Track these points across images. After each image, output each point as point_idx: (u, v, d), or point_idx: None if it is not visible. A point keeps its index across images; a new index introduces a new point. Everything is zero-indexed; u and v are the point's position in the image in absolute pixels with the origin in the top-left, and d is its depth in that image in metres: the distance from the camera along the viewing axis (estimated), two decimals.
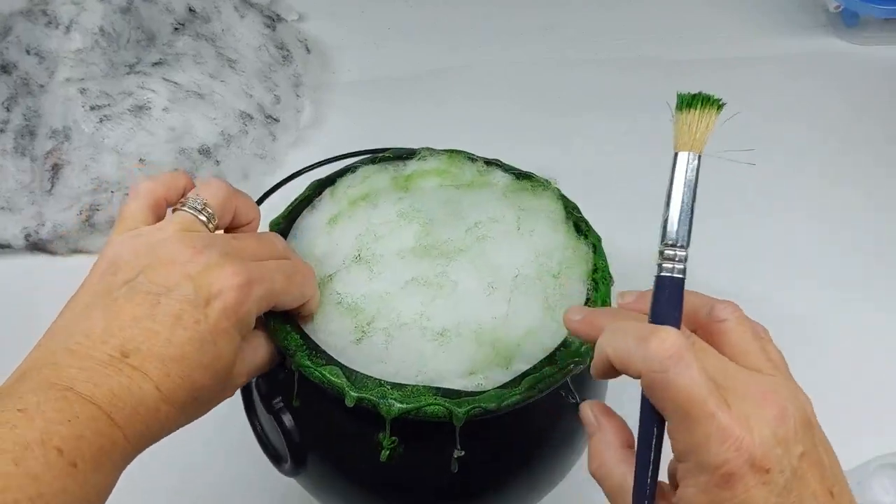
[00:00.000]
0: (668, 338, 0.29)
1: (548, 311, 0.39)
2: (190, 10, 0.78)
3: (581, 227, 0.44)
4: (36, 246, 0.69)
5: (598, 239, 0.44)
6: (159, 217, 0.38)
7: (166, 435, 0.34)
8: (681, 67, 0.79)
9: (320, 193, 0.45)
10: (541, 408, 0.38)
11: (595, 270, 0.42)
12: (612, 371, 0.31)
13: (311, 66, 0.82)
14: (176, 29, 0.78)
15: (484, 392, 0.36)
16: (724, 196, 0.68)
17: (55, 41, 0.73)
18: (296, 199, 0.45)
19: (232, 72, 0.75)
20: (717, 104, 0.31)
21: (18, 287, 0.68)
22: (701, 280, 0.62)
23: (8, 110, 0.74)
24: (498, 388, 0.37)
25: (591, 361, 0.33)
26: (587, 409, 0.34)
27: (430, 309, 0.38)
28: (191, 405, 0.34)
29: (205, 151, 0.70)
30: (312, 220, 0.44)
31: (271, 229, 0.43)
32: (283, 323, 0.39)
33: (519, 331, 0.38)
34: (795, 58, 0.78)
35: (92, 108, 0.69)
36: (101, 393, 0.31)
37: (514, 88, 0.80)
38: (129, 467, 0.33)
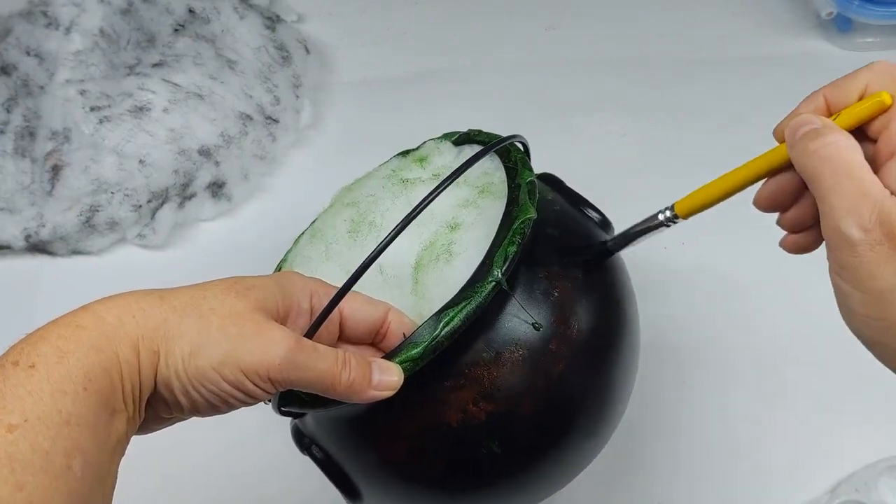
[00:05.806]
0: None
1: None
2: (190, 11, 0.78)
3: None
4: (36, 247, 0.69)
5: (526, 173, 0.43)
6: None
7: None
8: (679, 68, 0.79)
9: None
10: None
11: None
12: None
13: (311, 66, 0.82)
14: (176, 30, 0.78)
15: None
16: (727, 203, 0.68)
17: (55, 42, 0.73)
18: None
19: (231, 73, 0.75)
20: None
21: (18, 287, 0.68)
22: (721, 275, 0.62)
23: (8, 111, 0.74)
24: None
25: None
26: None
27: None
28: None
29: (204, 152, 0.70)
30: None
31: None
32: None
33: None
34: (788, 61, 0.78)
35: (92, 110, 0.69)
36: None
37: (514, 88, 0.80)
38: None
